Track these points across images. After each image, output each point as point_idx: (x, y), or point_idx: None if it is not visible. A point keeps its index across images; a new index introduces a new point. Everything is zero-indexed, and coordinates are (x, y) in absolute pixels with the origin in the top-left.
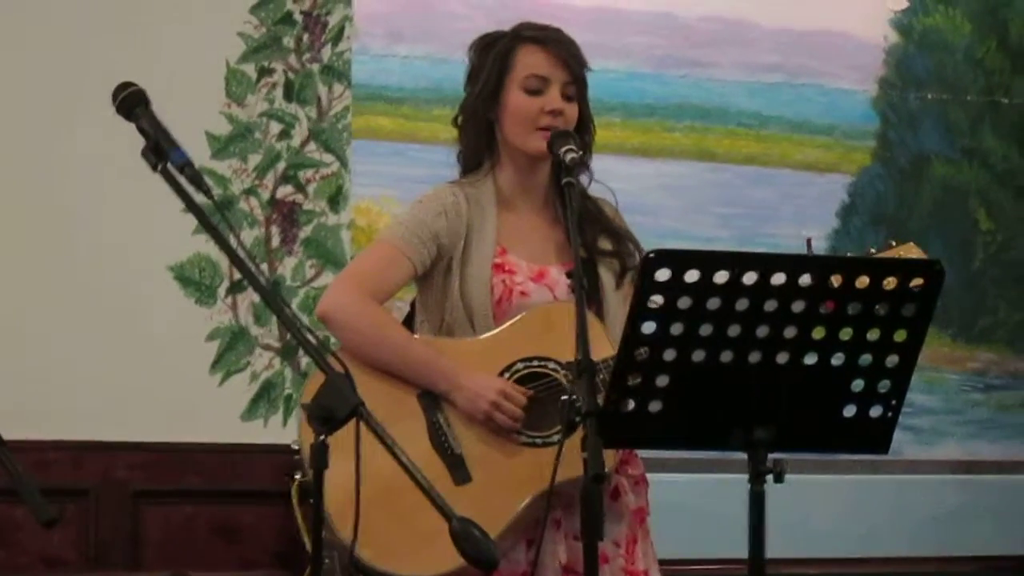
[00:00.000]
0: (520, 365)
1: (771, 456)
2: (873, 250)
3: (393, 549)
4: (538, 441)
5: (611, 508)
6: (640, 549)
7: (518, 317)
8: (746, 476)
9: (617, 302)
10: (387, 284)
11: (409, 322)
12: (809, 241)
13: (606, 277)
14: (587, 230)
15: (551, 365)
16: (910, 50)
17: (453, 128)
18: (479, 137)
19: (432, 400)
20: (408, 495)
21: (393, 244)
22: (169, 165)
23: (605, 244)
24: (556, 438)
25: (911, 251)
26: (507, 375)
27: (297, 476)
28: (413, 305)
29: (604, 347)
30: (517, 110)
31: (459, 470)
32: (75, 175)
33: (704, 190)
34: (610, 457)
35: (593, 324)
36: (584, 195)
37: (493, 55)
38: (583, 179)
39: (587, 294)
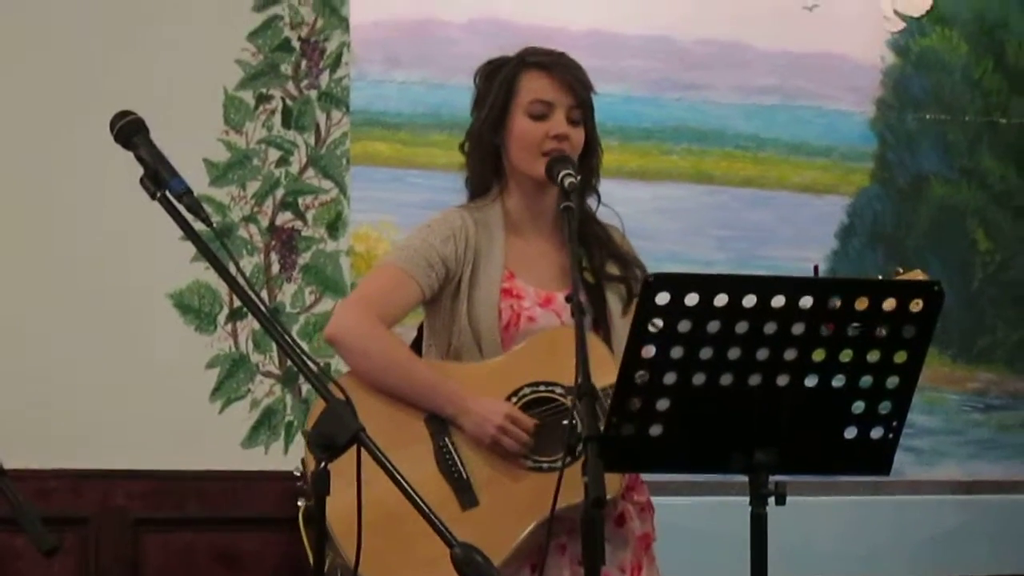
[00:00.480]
0: (527, 390)
1: (772, 478)
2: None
3: (396, 574)
4: (544, 466)
5: (616, 534)
6: (645, 575)
7: (524, 342)
8: (747, 498)
9: (624, 327)
10: (395, 307)
11: (416, 346)
12: (816, 268)
13: (613, 302)
14: (595, 255)
15: (558, 390)
16: (907, 71)
17: (453, 153)
18: (486, 163)
19: (439, 424)
20: (411, 520)
21: (401, 267)
22: (167, 193)
23: (612, 269)
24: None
25: (916, 278)
26: (514, 400)
27: (300, 502)
28: (420, 329)
29: (610, 372)
30: (522, 135)
31: (466, 494)
32: (73, 203)
33: (702, 213)
34: (614, 483)
35: (600, 349)
36: (592, 220)
37: (498, 81)
38: (591, 203)
39: (594, 319)
